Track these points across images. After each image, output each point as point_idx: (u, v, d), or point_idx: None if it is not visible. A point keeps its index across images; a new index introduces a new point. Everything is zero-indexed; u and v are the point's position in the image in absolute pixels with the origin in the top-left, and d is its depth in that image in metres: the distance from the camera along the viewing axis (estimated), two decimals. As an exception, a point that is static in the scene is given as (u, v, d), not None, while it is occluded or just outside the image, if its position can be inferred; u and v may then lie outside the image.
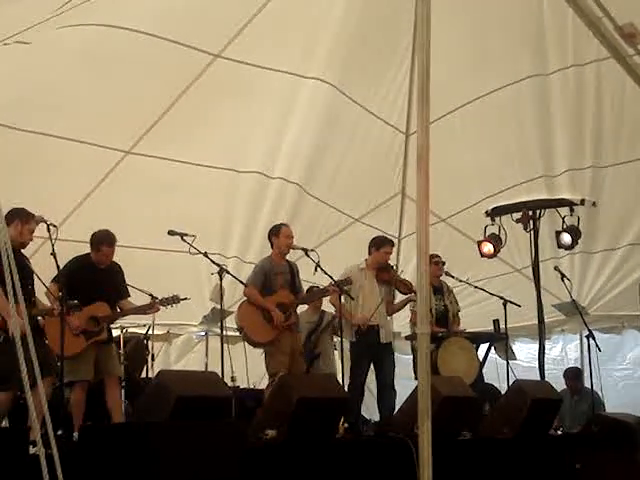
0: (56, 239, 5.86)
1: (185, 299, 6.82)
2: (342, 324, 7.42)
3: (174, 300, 6.66)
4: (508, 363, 8.17)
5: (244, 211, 8.96)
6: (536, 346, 8.73)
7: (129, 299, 6.71)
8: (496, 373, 8.41)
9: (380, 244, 7.72)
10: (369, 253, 7.79)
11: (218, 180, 8.49)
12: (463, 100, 8.24)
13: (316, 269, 7.01)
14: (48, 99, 7.01)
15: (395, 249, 9.65)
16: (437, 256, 8.13)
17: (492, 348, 8.57)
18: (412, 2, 7.02)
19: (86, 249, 6.57)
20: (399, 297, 8.03)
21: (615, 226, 9.25)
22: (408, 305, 7.99)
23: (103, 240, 6.45)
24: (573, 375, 9.25)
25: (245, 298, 7.18)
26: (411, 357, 8.19)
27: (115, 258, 6.62)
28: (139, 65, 7.09)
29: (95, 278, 6.45)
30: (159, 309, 6.68)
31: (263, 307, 6.97)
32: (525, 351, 10.42)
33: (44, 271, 6.03)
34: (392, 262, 8.37)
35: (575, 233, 8.56)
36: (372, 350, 7.49)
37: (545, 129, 8.40)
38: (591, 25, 2.72)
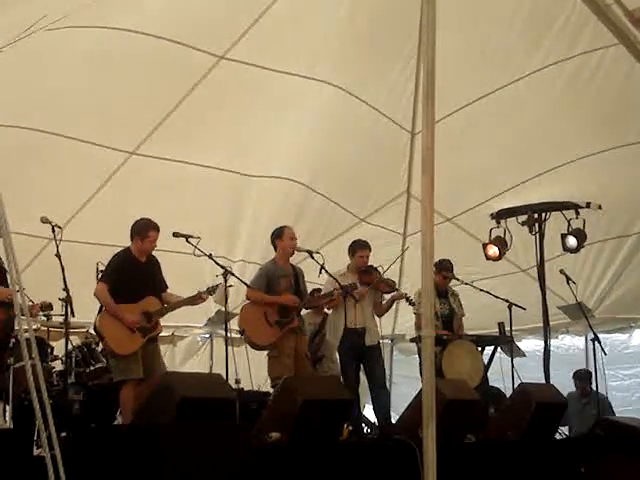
0: (60, 240, 5.86)
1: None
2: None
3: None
4: (513, 365, 8.12)
5: (250, 212, 8.94)
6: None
7: (168, 291, 6.59)
8: (500, 375, 8.37)
9: (355, 249, 7.65)
10: (349, 258, 7.76)
11: (223, 181, 8.47)
12: (469, 99, 8.21)
13: (321, 271, 6.98)
14: (53, 100, 7.02)
15: (399, 248, 9.63)
16: (449, 269, 8.09)
17: (497, 350, 8.53)
18: (418, 2, 7.04)
19: (89, 250, 6.55)
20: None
21: (620, 226, 9.22)
22: (412, 309, 7.95)
23: (150, 226, 6.33)
24: (584, 377, 9.14)
25: (248, 301, 7.14)
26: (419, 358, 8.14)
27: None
28: (144, 66, 7.09)
29: (140, 272, 6.33)
30: (207, 298, 6.62)
31: (271, 302, 6.90)
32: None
33: (48, 272, 6.02)
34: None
35: (581, 236, 8.52)
36: (358, 353, 7.41)
37: (551, 127, 8.36)
38: (599, 13, 2.70)
